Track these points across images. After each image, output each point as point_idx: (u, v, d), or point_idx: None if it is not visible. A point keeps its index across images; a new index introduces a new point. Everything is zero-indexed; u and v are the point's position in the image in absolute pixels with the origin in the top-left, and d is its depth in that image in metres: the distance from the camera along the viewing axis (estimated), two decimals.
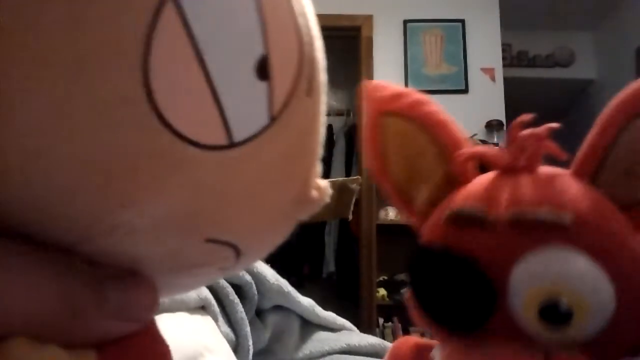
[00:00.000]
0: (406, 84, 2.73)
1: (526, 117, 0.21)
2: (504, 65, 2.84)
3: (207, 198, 0.14)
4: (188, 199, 0.13)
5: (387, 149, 0.25)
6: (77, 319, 0.12)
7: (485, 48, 2.79)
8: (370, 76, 2.73)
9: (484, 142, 2.56)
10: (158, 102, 0.11)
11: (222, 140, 0.13)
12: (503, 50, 2.87)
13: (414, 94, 0.24)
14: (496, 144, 2.54)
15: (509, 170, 0.21)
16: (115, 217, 0.12)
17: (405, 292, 0.22)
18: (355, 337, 0.49)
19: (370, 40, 2.78)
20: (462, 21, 2.80)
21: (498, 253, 0.19)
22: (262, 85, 0.13)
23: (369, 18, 2.80)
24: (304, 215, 0.18)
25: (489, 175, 0.21)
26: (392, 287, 2.52)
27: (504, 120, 2.67)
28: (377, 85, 0.25)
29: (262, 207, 0.16)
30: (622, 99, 0.19)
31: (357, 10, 2.79)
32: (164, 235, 0.13)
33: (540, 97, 3.69)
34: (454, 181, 0.23)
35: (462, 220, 0.20)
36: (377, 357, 0.46)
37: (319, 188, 0.17)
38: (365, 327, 2.16)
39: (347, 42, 2.94)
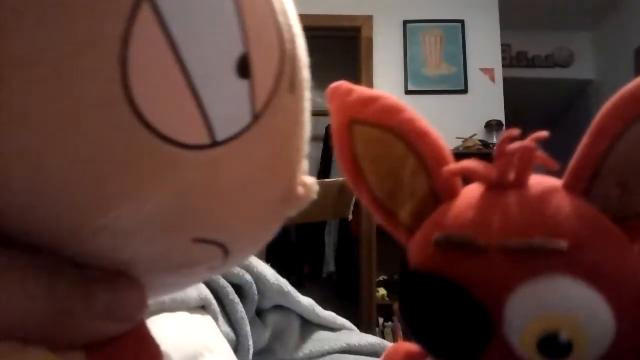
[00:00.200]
0: (406, 84, 2.73)
1: (514, 132, 0.19)
2: (504, 66, 2.84)
3: (192, 197, 0.13)
4: (174, 199, 0.13)
5: (361, 160, 0.23)
6: (65, 319, 0.12)
7: (485, 48, 2.79)
8: (370, 76, 2.73)
9: (483, 142, 2.56)
10: (138, 103, 0.11)
11: (204, 139, 0.13)
12: (502, 51, 2.88)
13: (385, 99, 0.22)
14: (495, 144, 2.53)
15: (497, 186, 0.20)
16: (102, 218, 0.12)
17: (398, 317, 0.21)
18: (355, 336, 0.49)
19: (370, 41, 2.78)
20: (462, 21, 2.80)
21: (491, 282, 0.18)
22: (243, 84, 0.13)
23: (368, 18, 2.80)
24: (292, 212, 0.18)
25: (476, 191, 0.20)
26: (392, 286, 2.52)
27: (503, 120, 2.67)
28: (344, 88, 0.23)
29: (249, 205, 0.16)
30: (614, 105, 0.18)
31: (357, 11, 2.79)
32: (151, 236, 0.13)
33: (540, 97, 3.69)
34: (438, 195, 0.21)
35: (452, 245, 0.19)
36: (376, 356, 0.46)
37: (305, 185, 0.17)
38: (365, 326, 2.16)
39: (347, 42, 2.94)
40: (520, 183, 0.19)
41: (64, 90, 0.11)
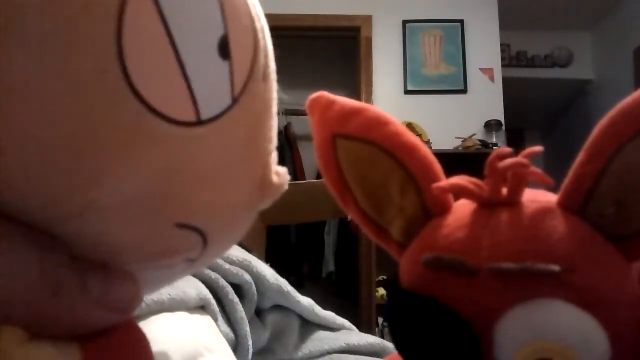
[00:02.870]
0: (405, 84, 2.73)
1: (505, 150, 0.19)
2: (503, 66, 2.84)
3: (175, 177, 0.14)
4: (157, 178, 0.13)
5: (347, 176, 0.22)
6: (59, 299, 0.12)
7: (484, 48, 2.79)
8: (369, 76, 2.73)
9: (482, 141, 2.56)
10: (131, 75, 0.12)
11: (191, 116, 0.13)
12: (502, 51, 2.88)
13: (368, 111, 0.21)
14: (495, 144, 2.54)
15: (489, 204, 0.19)
16: (85, 193, 0.12)
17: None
18: (354, 336, 0.49)
19: (369, 41, 2.78)
20: (461, 21, 2.80)
21: (481, 304, 0.17)
22: (224, 65, 0.14)
23: (368, 18, 2.80)
24: (265, 203, 0.18)
25: (467, 208, 0.20)
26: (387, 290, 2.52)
27: (502, 120, 2.67)
28: (325, 100, 0.22)
29: (227, 190, 0.16)
30: (609, 122, 0.17)
31: (357, 11, 2.79)
32: (135, 217, 0.14)
33: (539, 97, 3.70)
34: (429, 209, 0.21)
35: (442, 266, 0.18)
36: (376, 356, 0.46)
37: (279, 174, 0.18)
38: (364, 326, 2.16)
39: (347, 42, 2.94)
40: (512, 200, 0.19)
41: (60, 60, 0.11)
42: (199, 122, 0.13)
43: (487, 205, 0.19)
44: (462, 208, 0.20)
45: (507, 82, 2.79)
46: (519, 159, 0.18)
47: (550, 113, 3.94)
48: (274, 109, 0.17)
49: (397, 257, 0.22)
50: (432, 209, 0.21)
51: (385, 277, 2.57)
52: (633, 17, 2.97)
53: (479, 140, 2.57)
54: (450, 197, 0.21)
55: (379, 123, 0.21)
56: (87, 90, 0.11)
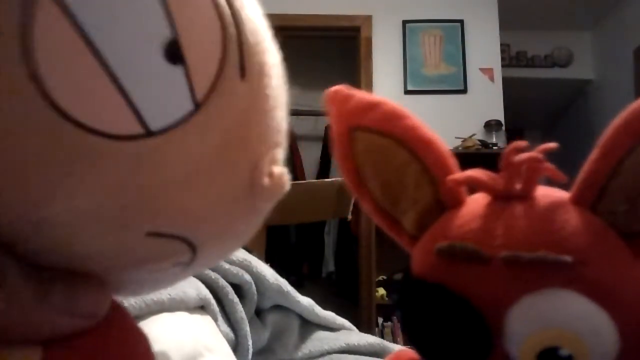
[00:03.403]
0: (405, 84, 2.73)
1: (521, 143, 0.19)
2: (503, 66, 2.84)
3: (136, 190, 0.13)
4: (113, 193, 0.13)
5: (362, 168, 0.22)
6: (15, 310, 0.12)
7: (484, 48, 2.79)
8: (369, 76, 2.73)
9: (482, 142, 2.56)
10: (50, 92, 0.11)
11: (135, 129, 0.12)
12: (502, 51, 2.87)
13: (386, 105, 0.22)
14: (495, 144, 2.54)
15: (503, 197, 0.19)
16: (37, 212, 0.12)
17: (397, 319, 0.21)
18: (354, 336, 0.49)
19: (369, 41, 2.78)
20: (461, 21, 2.80)
21: (492, 292, 0.18)
22: (176, 70, 0.13)
23: (368, 18, 2.80)
24: (264, 205, 0.17)
25: (482, 201, 0.20)
26: (392, 286, 2.51)
27: (502, 120, 2.67)
28: (343, 94, 0.22)
29: (204, 197, 0.15)
30: (625, 120, 0.18)
31: (356, 11, 2.79)
32: (98, 231, 0.13)
33: (539, 97, 3.69)
34: (442, 203, 0.21)
35: (455, 254, 0.19)
36: (376, 356, 0.46)
37: (272, 175, 0.16)
38: (364, 326, 2.16)
39: (347, 42, 2.94)
40: (526, 194, 0.19)
41: None
42: (149, 134, 0.13)
43: (501, 198, 0.19)
44: (476, 201, 0.20)
45: (507, 82, 2.79)
46: (534, 153, 0.19)
47: (551, 113, 3.94)
48: (273, 105, 0.16)
49: (408, 249, 0.22)
50: (446, 202, 0.21)
51: (385, 277, 2.57)
52: (633, 17, 2.97)
53: (479, 141, 2.57)
54: (464, 190, 0.21)
55: (397, 116, 0.21)
56: (5, 111, 0.11)
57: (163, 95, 0.13)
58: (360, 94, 0.22)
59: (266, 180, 0.16)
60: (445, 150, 0.21)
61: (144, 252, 0.15)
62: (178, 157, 0.14)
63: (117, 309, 0.17)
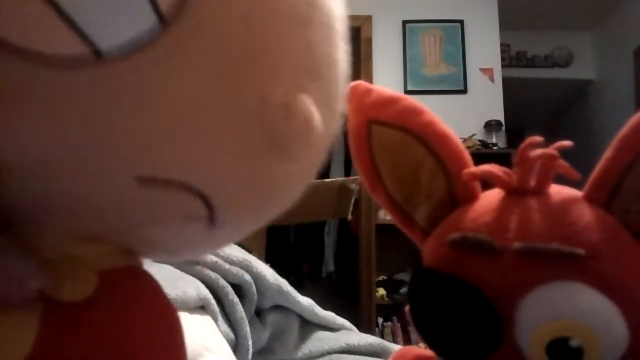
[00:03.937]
0: (405, 84, 2.73)
1: (536, 139, 0.19)
2: (503, 66, 2.84)
3: (98, 129, 0.11)
4: (72, 132, 0.11)
5: (378, 160, 0.23)
6: None
7: (484, 48, 2.79)
8: (369, 77, 2.73)
9: (482, 142, 2.56)
10: None
11: (79, 48, 0.10)
12: (502, 51, 2.87)
13: (405, 100, 0.22)
14: (495, 144, 2.54)
15: (517, 192, 0.20)
16: None
17: (406, 309, 0.21)
18: (354, 336, 0.49)
19: (369, 41, 2.78)
20: (461, 21, 2.80)
21: (504, 283, 0.18)
22: None
23: (368, 19, 2.80)
24: (287, 148, 0.14)
25: (496, 196, 0.20)
26: (392, 286, 2.51)
27: (502, 121, 2.67)
28: (363, 88, 0.23)
29: (196, 136, 0.12)
30: (639, 120, 0.18)
31: (356, 11, 2.79)
32: (77, 179, 0.12)
33: (539, 98, 3.69)
34: (456, 198, 0.21)
35: (468, 245, 0.19)
36: (376, 356, 0.46)
37: (293, 112, 0.13)
38: (364, 326, 2.16)
39: (346, 42, 2.94)
40: (540, 190, 0.19)
41: None
42: (98, 56, 0.10)
43: (515, 193, 0.20)
44: (490, 197, 0.20)
45: (507, 82, 2.79)
46: (549, 150, 0.19)
47: (551, 113, 3.94)
48: (292, 17, 0.13)
49: (420, 243, 0.22)
50: (459, 196, 0.21)
51: (385, 277, 2.57)
52: (634, 17, 2.97)
53: (479, 141, 2.57)
54: (478, 186, 0.21)
55: (414, 112, 0.22)
56: None
57: (110, 9, 0.10)
58: (379, 89, 0.22)
59: (281, 117, 0.13)
60: (460, 145, 0.22)
61: (143, 203, 0.13)
62: (154, 85, 0.11)
63: (142, 281, 0.15)
